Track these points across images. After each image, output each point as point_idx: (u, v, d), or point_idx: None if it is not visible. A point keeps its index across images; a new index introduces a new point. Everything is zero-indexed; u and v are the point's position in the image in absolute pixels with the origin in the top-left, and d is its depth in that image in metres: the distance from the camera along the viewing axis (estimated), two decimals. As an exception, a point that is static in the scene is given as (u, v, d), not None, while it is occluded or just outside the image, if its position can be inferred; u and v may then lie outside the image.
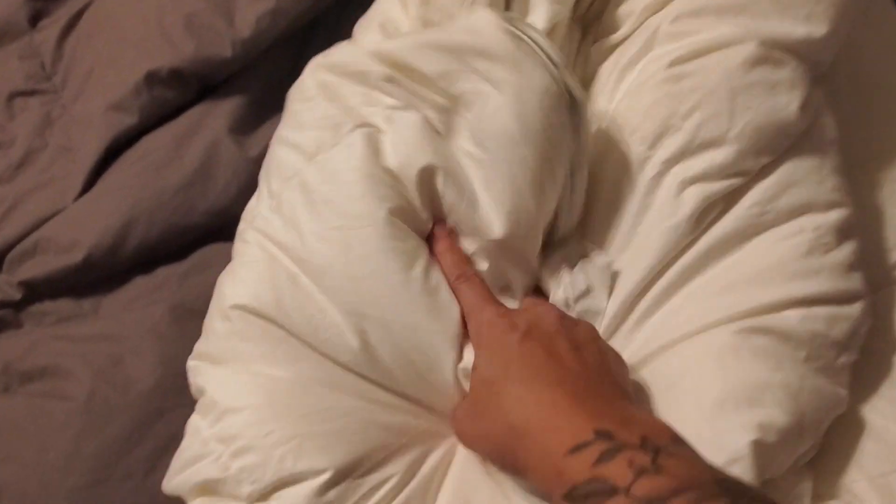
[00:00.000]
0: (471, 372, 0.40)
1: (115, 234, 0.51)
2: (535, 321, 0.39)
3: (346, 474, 0.37)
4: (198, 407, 0.40)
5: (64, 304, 0.51)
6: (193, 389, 0.40)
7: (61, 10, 0.73)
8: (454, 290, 0.43)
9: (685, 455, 0.33)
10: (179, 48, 0.54)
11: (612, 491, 0.31)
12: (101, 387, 0.44)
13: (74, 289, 0.51)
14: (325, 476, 0.36)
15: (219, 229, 0.53)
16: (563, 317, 0.40)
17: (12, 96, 0.62)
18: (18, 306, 0.50)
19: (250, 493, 0.36)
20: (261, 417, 0.37)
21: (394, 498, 0.38)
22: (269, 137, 0.54)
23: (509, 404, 0.36)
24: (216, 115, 0.55)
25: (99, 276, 0.52)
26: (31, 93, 0.63)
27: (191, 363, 0.41)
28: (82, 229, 0.51)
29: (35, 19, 0.73)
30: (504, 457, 0.37)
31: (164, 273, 0.52)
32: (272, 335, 0.39)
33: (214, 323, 0.41)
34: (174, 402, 0.44)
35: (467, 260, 0.43)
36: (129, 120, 0.54)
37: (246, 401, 0.38)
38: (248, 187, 0.54)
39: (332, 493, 0.36)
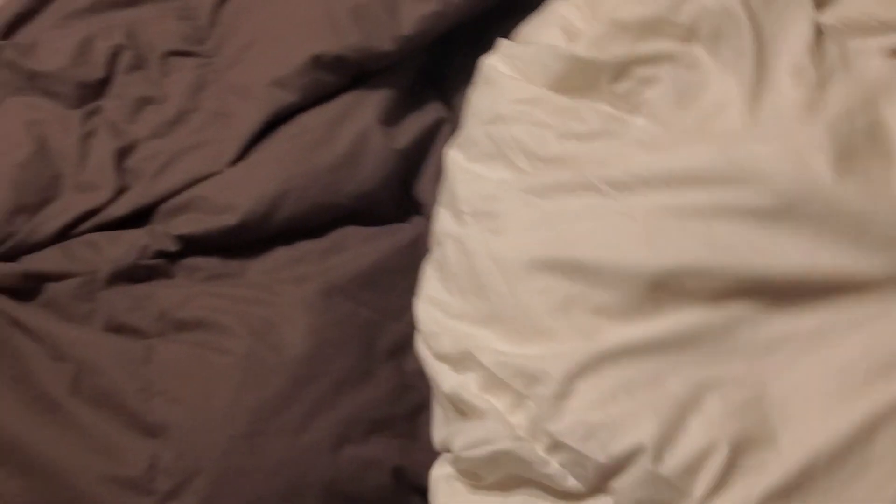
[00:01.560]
0: None
1: (268, 202, 0.54)
2: None
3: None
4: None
5: (213, 262, 0.54)
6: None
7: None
8: None
9: None
10: (345, 36, 0.57)
11: None
12: (258, 347, 0.48)
13: (223, 249, 0.55)
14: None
15: (358, 213, 0.57)
16: None
17: (168, 55, 0.65)
18: (173, 258, 0.53)
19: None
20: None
21: None
22: (414, 131, 0.59)
23: None
24: (367, 104, 0.58)
25: (246, 240, 0.55)
26: (186, 54, 0.65)
27: None
28: (238, 194, 0.54)
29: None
30: None
31: (304, 247, 0.55)
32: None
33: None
34: (321, 370, 0.48)
35: None
36: (289, 97, 0.57)
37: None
38: (392, 177, 0.58)
39: None
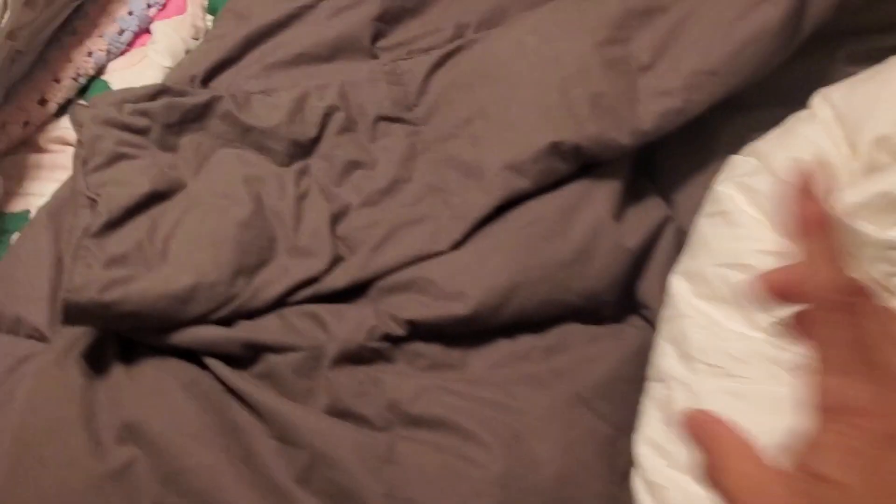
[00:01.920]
0: (804, 462, 0.25)
1: (500, 295, 0.52)
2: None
3: None
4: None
5: (435, 350, 0.52)
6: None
7: (398, 33, 0.77)
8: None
9: None
10: (583, 125, 0.55)
11: None
12: (514, 462, 0.45)
13: (446, 337, 0.52)
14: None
15: (583, 311, 0.54)
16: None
17: (377, 119, 0.64)
18: (395, 341, 0.51)
19: None
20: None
21: None
22: (643, 230, 0.56)
23: None
24: (597, 196, 0.56)
25: (470, 330, 0.52)
26: (395, 120, 0.64)
27: None
28: (469, 282, 0.52)
29: (375, 38, 0.76)
30: None
31: (527, 342, 0.53)
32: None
33: None
34: (573, 494, 0.45)
35: None
36: (523, 183, 0.55)
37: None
38: (620, 276, 0.55)
39: None
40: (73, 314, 0.48)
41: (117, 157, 0.58)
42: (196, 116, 0.63)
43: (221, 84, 0.72)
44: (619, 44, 0.59)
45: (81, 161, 0.58)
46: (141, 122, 0.60)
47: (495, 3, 0.76)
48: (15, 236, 0.62)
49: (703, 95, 0.56)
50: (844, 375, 0.25)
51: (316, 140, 0.63)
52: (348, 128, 0.64)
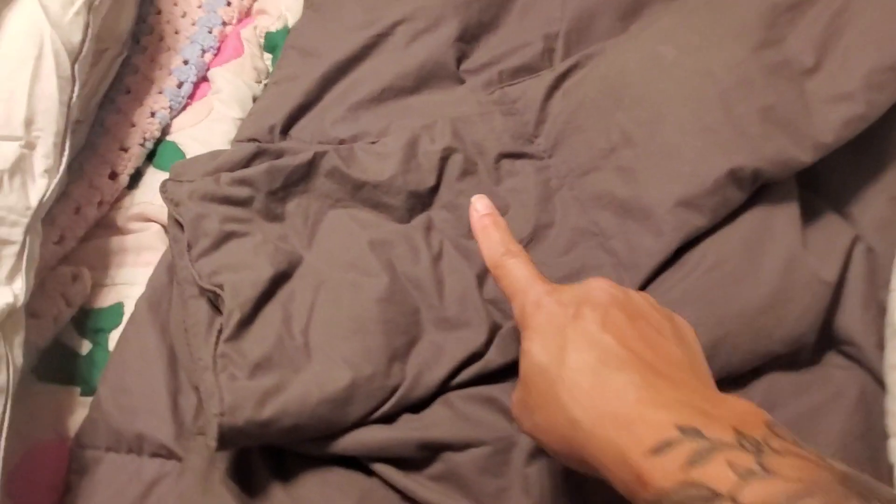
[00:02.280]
0: (521, 355, 0.36)
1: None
2: (584, 295, 0.36)
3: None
4: None
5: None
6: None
7: (481, 52, 0.70)
8: (496, 269, 0.40)
9: (791, 450, 0.28)
10: (760, 146, 0.48)
11: (714, 497, 0.26)
12: None
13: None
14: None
15: (782, 358, 0.48)
16: (614, 286, 0.36)
17: (500, 157, 0.57)
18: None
19: None
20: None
21: None
22: (837, 258, 0.50)
23: (567, 395, 0.32)
24: (780, 223, 0.49)
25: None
26: (519, 155, 0.57)
27: None
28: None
29: (458, 61, 0.69)
30: (571, 454, 0.32)
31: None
32: None
33: None
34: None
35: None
36: (699, 221, 0.48)
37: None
38: (821, 314, 0.48)
39: None
40: (229, 438, 0.41)
41: (225, 237, 0.51)
42: (300, 178, 0.55)
43: (305, 132, 0.65)
44: (775, 46, 0.52)
45: (185, 245, 0.51)
46: (243, 192, 0.53)
47: (581, 9, 0.69)
48: (112, 335, 0.55)
49: (887, 96, 0.49)
50: None
51: (435, 189, 0.56)
52: (469, 170, 0.57)
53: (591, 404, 0.31)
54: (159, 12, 0.77)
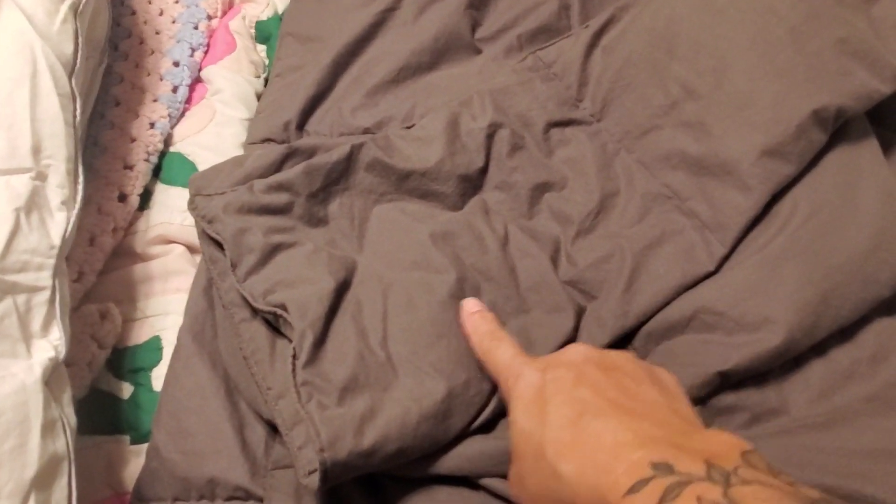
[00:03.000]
0: (509, 430, 0.37)
1: (813, 310, 0.42)
2: (559, 358, 0.38)
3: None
4: None
5: (751, 397, 0.42)
6: None
7: (493, 18, 0.65)
8: (483, 356, 0.41)
9: (762, 478, 0.29)
10: (841, 82, 0.45)
11: None
12: None
13: (755, 377, 0.43)
14: None
15: (885, 303, 0.45)
16: (590, 348, 0.39)
17: (548, 126, 0.53)
18: (704, 401, 0.41)
19: None
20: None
21: None
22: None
23: (552, 452, 0.33)
24: (865, 158, 0.46)
25: (780, 361, 0.43)
26: (567, 123, 0.53)
27: None
28: (769, 303, 0.42)
29: (472, 30, 0.64)
30: None
31: (842, 357, 0.43)
32: None
33: None
34: None
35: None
36: (787, 170, 0.45)
37: None
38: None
39: None
40: (333, 474, 0.36)
41: (272, 251, 0.46)
42: (340, 175, 0.50)
43: (322, 124, 0.60)
44: None
45: (228, 265, 0.46)
46: (282, 199, 0.48)
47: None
48: (154, 373, 0.50)
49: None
50: None
51: (484, 169, 0.52)
52: (517, 145, 0.52)
53: (574, 456, 0.33)
54: (134, 13, 0.70)
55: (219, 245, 0.47)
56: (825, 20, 0.47)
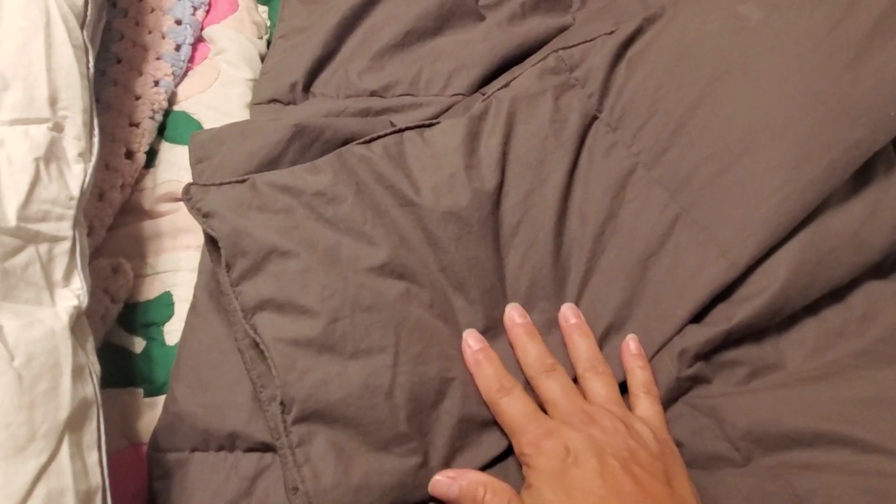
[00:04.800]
0: (525, 490, 0.40)
1: (810, 269, 0.45)
2: (581, 443, 0.40)
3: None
4: None
5: (749, 353, 0.44)
6: None
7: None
8: (492, 407, 0.43)
9: None
10: (877, 115, 0.46)
11: None
12: None
13: (753, 334, 0.45)
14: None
15: (874, 266, 0.47)
16: (604, 429, 0.41)
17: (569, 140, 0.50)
18: (707, 356, 0.43)
19: None
20: None
21: None
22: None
23: None
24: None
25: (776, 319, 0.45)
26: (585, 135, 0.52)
27: None
28: (773, 264, 0.44)
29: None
30: None
31: (834, 316, 0.46)
32: None
33: None
34: None
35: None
36: (811, 200, 0.46)
37: None
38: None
39: None
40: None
41: (266, 256, 0.44)
42: (349, 180, 0.48)
43: (329, 86, 0.60)
44: None
45: (222, 263, 0.45)
46: (285, 199, 0.46)
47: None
48: (166, 328, 0.50)
49: None
50: None
51: (500, 185, 0.50)
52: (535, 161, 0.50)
53: None
54: (131, -30, 0.70)
55: (213, 239, 0.46)
56: (863, 48, 0.47)
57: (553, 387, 0.43)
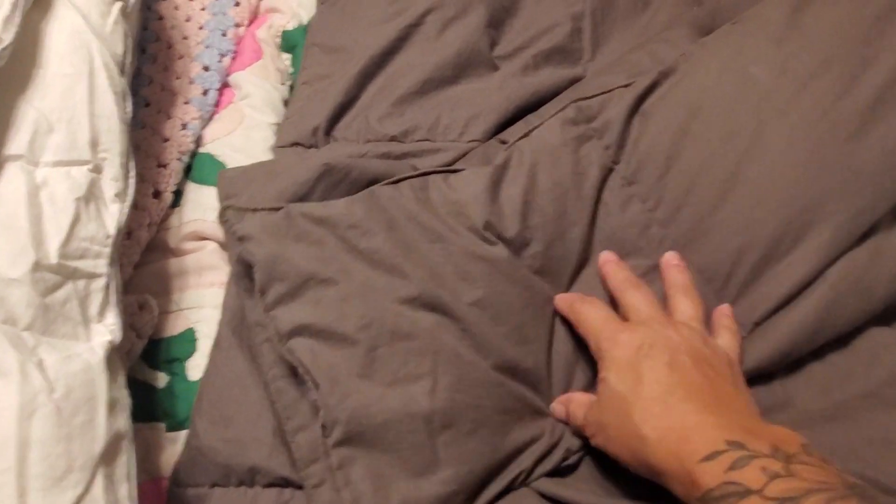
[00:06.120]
0: (599, 383, 0.43)
1: (816, 318, 0.46)
2: (657, 337, 0.43)
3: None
4: None
5: (758, 392, 0.45)
6: None
7: (508, 38, 0.68)
8: (571, 315, 0.48)
9: (816, 462, 0.35)
10: (880, 190, 0.48)
11: (746, 492, 0.33)
12: None
13: (764, 376, 0.47)
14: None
15: (877, 314, 0.49)
16: (681, 332, 0.44)
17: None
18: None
19: None
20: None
21: None
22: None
23: (640, 417, 0.40)
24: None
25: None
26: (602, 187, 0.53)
27: None
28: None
29: (491, 48, 0.67)
30: (639, 463, 0.40)
31: (838, 360, 0.48)
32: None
33: None
34: None
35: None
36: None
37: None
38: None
39: None
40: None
41: (304, 282, 0.46)
42: (381, 216, 0.50)
43: (349, 131, 0.63)
44: (873, 66, 0.50)
45: (256, 288, 0.46)
46: (321, 231, 0.48)
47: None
48: (188, 364, 0.51)
49: None
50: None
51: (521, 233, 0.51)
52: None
53: (659, 425, 0.39)
54: (161, 18, 0.72)
55: (247, 264, 0.48)
56: (866, 118, 0.49)
57: (636, 296, 0.47)
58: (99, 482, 0.35)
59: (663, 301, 0.48)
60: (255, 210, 0.49)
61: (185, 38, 0.71)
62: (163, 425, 0.50)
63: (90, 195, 0.43)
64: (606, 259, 0.51)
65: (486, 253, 0.49)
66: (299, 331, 0.45)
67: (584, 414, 0.44)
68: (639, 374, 0.41)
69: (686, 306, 0.47)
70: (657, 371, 0.40)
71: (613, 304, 0.49)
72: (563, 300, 0.49)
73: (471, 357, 0.45)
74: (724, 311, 0.48)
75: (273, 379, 0.46)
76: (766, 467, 0.34)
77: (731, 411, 0.39)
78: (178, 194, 0.60)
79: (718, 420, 0.37)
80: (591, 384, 0.48)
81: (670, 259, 0.50)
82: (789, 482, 0.33)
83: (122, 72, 0.49)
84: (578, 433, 0.45)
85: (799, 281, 0.48)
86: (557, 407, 0.46)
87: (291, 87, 0.70)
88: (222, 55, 0.68)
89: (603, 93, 0.57)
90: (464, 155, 0.61)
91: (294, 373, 0.45)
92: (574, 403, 0.45)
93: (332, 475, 0.41)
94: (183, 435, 0.49)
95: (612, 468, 0.44)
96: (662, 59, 0.60)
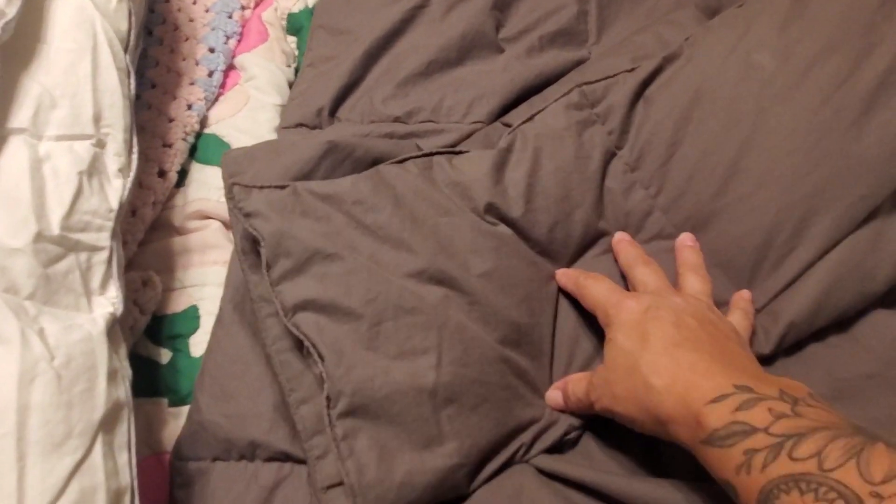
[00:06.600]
0: (606, 345, 0.44)
1: (815, 300, 0.46)
2: (662, 301, 0.43)
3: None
4: None
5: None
6: None
7: (513, 20, 0.68)
8: (577, 290, 0.48)
9: (823, 406, 0.35)
10: (883, 172, 0.47)
11: (752, 431, 0.34)
12: None
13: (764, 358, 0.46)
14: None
15: (884, 298, 0.49)
16: (687, 301, 0.44)
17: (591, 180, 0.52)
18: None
19: None
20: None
21: None
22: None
23: (648, 368, 0.39)
24: None
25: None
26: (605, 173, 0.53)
27: None
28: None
29: (496, 30, 0.67)
30: (645, 411, 0.40)
31: (842, 343, 0.47)
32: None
33: None
34: None
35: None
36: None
37: None
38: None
39: None
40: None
41: (310, 258, 0.45)
42: (386, 192, 0.49)
43: (354, 112, 0.63)
44: (878, 50, 0.49)
45: (263, 263, 0.46)
46: (327, 208, 0.48)
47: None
48: (192, 340, 0.52)
49: None
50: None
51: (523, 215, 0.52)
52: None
53: (667, 373, 0.39)
54: (168, 0, 0.73)
55: (253, 240, 0.47)
56: (868, 104, 0.48)
57: (645, 271, 0.47)
58: (98, 449, 0.35)
59: (674, 281, 0.48)
60: (261, 187, 0.49)
61: (192, 20, 0.71)
62: (165, 400, 0.50)
63: (93, 169, 0.44)
64: (620, 238, 0.51)
65: (491, 229, 0.50)
66: (305, 305, 0.45)
67: (587, 382, 0.44)
68: (645, 332, 0.41)
69: (695, 282, 0.47)
70: (664, 329, 0.41)
71: (624, 285, 0.49)
72: (566, 275, 0.50)
73: (477, 332, 0.45)
74: (742, 296, 0.48)
75: (278, 352, 0.46)
76: (773, 408, 0.34)
77: (739, 361, 0.39)
78: (183, 174, 0.60)
79: (725, 368, 0.37)
80: (590, 364, 0.48)
81: (685, 240, 0.50)
82: (796, 421, 0.33)
83: (125, 48, 0.50)
84: (577, 413, 0.45)
85: (801, 267, 0.48)
86: (553, 394, 0.46)
87: (297, 70, 0.71)
88: (228, 37, 0.68)
89: (607, 77, 0.56)
90: (468, 136, 0.61)
91: (299, 347, 0.46)
92: (572, 382, 0.45)
93: (336, 446, 0.41)
94: (185, 410, 0.49)
95: (610, 444, 0.44)
96: (668, 41, 0.60)
